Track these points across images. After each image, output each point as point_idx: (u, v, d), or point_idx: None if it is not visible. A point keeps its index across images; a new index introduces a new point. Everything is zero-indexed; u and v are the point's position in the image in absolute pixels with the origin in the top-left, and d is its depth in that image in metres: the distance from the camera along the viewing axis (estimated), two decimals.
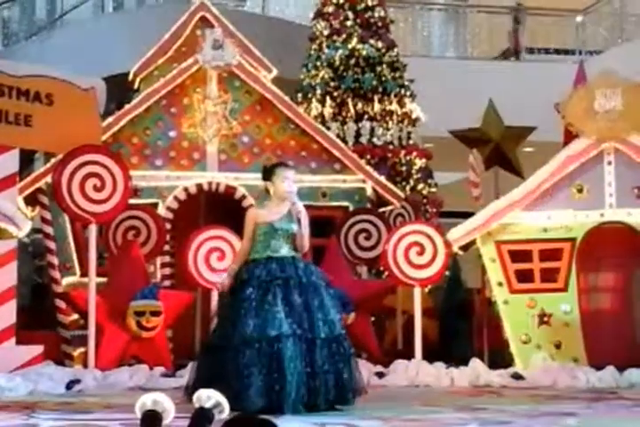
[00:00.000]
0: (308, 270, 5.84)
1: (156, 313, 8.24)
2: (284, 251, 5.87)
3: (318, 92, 12.06)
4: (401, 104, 12.09)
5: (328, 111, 11.92)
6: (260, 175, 9.31)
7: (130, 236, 8.93)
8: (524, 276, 8.38)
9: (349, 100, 11.98)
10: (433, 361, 8.24)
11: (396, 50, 12.49)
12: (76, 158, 8.06)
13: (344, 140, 11.21)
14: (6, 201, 7.18)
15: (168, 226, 9.19)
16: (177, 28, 11.16)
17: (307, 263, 5.94)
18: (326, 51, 12.27)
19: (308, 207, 6.07)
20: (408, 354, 8.41)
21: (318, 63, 12.25)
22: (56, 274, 9.02)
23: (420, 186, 11.90)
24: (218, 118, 9.50)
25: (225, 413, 3.83)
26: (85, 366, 7.92)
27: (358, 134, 11.88)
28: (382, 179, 10.03)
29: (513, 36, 16.59)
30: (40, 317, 9.21)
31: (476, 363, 8.23)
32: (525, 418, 5.33)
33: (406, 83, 12.29)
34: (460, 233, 8.47)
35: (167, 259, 9.30)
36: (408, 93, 12.21)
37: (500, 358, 8.70)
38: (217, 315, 6.09)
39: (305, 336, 5.64)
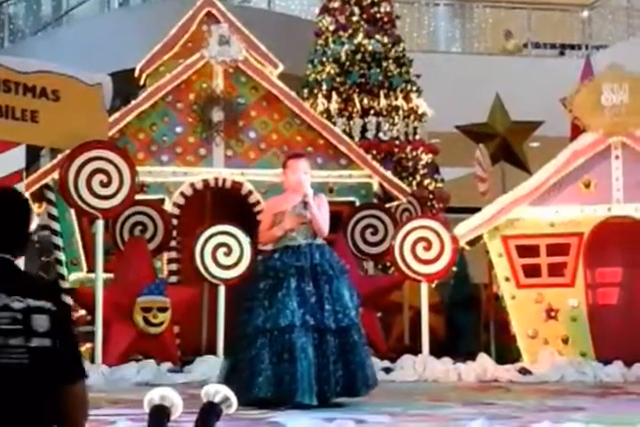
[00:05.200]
0: (323, 259, 5.85)
1: (162, 309, 8.25)
2: (301, 239, 5.87)
3: (324, 87, 12.05)
4: (407, 99, 12.08)
5: (334, 107, 11.91)
6: (265, 171, 9.46)
7: (136, 232, 8.94)
8: (532, 271, 8.37)
9: (355, 96, 11.96)
10: (440, 356, 8.24)
11: (402, 45, 12.47)
12: (82, 154, 8.05)
13: (350, 136, 11.19)
14: None
15: (175, 222, 9.19)
16: (183, 23, 11.15)
17: (324, 251, 5.92)
18: (332, 46, 12.26)
19: None
20: (415, 349, 8.41)
21: (324, 59, 12.23)
22: (63, 270, 9.03)
23: (427, 181, 11.89)
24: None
25: (233, 408, 3.82)
26: (92, 361, 7.92)
27: (364, 130, 11.87)
28: (389, 174, 10.02)
29: None
30: None
31: (483, 358, 8.22)
32: (533, 413, 5.33)
33: (412, 78, 12.27)
34: (466, 228, 8.46)
35: (174, 255, 9.30)
36: (414, 89, 12.19)
37: (507, 353, 8.69)
38: (237, 307, 6.15)
39: (316, 327, 5.66)
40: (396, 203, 10.27)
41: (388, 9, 12.57)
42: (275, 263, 5.83)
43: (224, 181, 9.46)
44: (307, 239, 5.88)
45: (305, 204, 5.84)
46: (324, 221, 5.91)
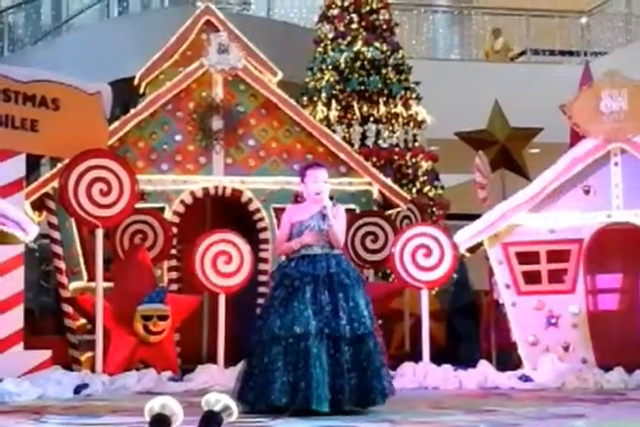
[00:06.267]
0: (339, 268, 5.88)
1: (163, 317, 8.25)
2: (317, 248, 5.91)
3: (323, 95, 12.07)
4: (406, 106, 12.09)
5: (333, 114, 11.92)
6: (265, 179, 9.47)
7: (137, 240, 8.94)
8: (532, 277, 8.36)
9: (355, 103, 11.98)
10: (441, 363, 8.23)
11: (401, 52, 12.49)
12: (82, 163, 8.07)
13: (350, 143, 11.20)
14: (13, 206, 7.18)
15: (175, 230, 9.20)
16: (182, 32, 11.17)
17: (340, 260, 5.95)
18: (331, 54, 12.28)
19: None
20: (415, 356, 8.40)
21: (323, 66, 12.25)
22: (63, 279, 9.03)
23: (427, 188, 11.90)
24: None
25: (234, 416, 3.83)
26: (93, 370, 7.92)
27: (364, 137, 11.88)
28: (388, 181, 10.02)
29: None
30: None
31: (484, 365, 8.21)
32: (534, 420, 5.32)
33: (411, 85, 12.29)
34: (466, 235, 8.45)
35: (174, 263, 9.30)
36: (413, 96, 12.21)
37: (508, 360, 8.68)
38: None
39: (331, 335, 5.69)
40: (396, 210, 10.28)
41: (387, 16, 12.59)
42: (291, 272, 5.88)
43: (224, 189, 9.46)
44: (323, 249, 5.93)
45: (323, 216, 5.89)
46: (340, 233, 5.97)
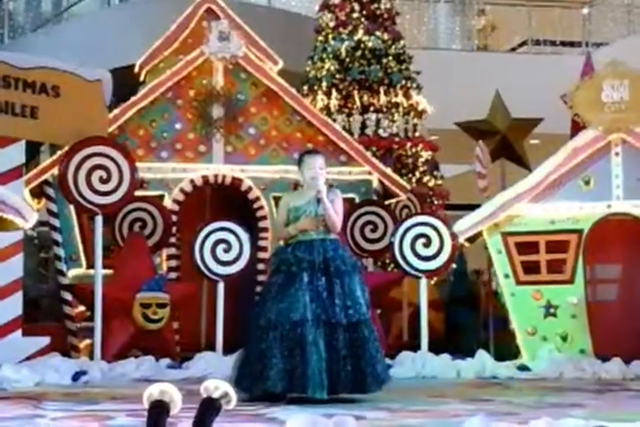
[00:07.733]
0: (336, 254, 5.90)
1: (162, 305, 8.25)
2: (314, 233, 5.92)
3: (324, 84, 12.05)
4: (407, 96, 12.08)
5: (334, 103, 11.91)
6: (265, 167, 9.47)
7: (136, 228, 8.94)
8: (531, 267, 8.37)
9: (355, 92, 11.96)
10: (439, 353, 8.24)
11: (402, 42, 12.48)
12: (82, 150, 8.06)
13: (350, 133, 11.20)
14: (12, 193, 7.17)
15: (174, 218, 9.19)
16: (183, 19, 11.13)
17: (337, 246, 5.97)
18: (332, 43, 12.26)
19: None
20: (414, 346, 8.41)
21: (324, 55, 12.23)
22: (62, 266, 9.03)
23: (426, 178, 11.89)
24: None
25: (232, 403, 3.82)
26: (91, 357, 7.93)
27: (364, 126, 11.87)
28: (388, 171, 10.01)
29: None
30: None
31: (482, 355, 8.22)
32: (532, 410, 5.32)
33: (412, 75, 12.27)
34: (466, 225, 8.45)
35: (173, 251, 9.30)
36: (414, 85, 12.20)
37: (506, 349, 8.69)
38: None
39: (327, 321, 5.70)
40: (395, 200, 10.27)
41: (389, 6, 12.58)
42: (287, 257, 5.89)
43: (224, 177, 9.45)
44: (319, 235, 5.93)
45: (318, 200, 5.90)
46: (336, 218, 5.98)
